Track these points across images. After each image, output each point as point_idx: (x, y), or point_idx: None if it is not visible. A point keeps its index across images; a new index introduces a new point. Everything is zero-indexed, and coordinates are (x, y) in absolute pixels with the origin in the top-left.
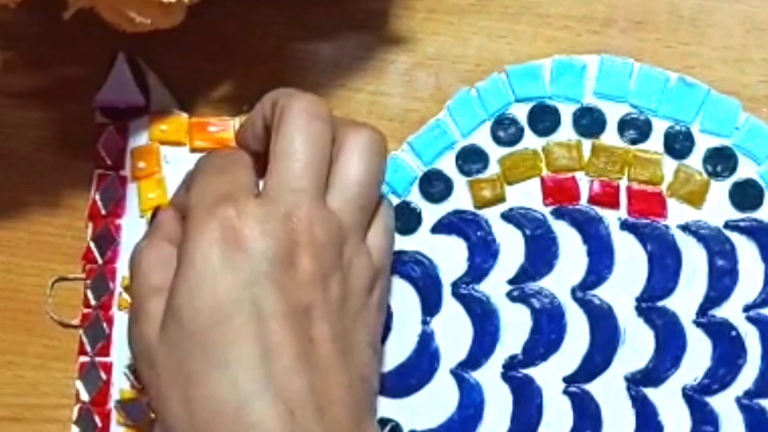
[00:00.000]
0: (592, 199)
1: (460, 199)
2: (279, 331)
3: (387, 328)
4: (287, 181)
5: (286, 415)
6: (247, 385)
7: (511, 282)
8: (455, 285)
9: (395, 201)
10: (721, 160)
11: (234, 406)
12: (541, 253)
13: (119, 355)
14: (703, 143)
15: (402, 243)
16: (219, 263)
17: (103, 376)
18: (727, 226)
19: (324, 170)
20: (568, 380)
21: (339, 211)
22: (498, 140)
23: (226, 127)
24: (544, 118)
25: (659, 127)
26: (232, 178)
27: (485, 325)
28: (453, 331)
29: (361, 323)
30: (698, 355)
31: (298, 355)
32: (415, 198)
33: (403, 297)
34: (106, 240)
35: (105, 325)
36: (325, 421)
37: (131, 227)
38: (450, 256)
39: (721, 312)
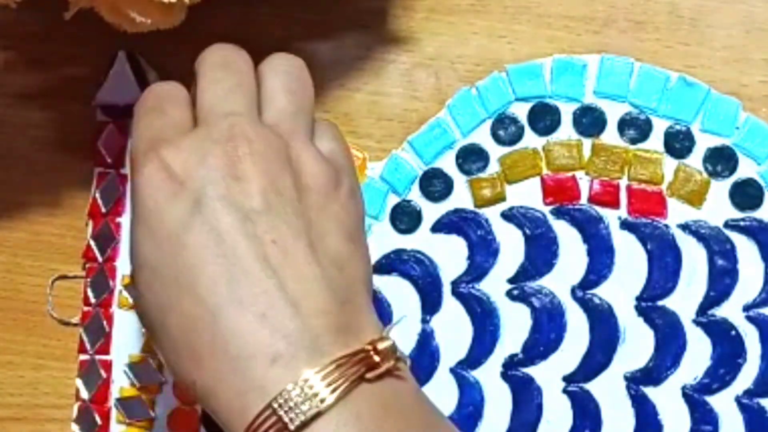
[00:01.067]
0: (592, 199)
1: (461, 198)
2: (236, 242)
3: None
4: (217, 107)
5: (258, 318)
6: (213, 299)
7: (511, 281)
8: (455, 284)
9: (396, 200)
10: (721, 160)
11: (208, 321)
12: (541, 253)
13: (119, 353)
14: (703, 143)
15: (402, 242)
16: (164, 199)
17: (103, 374)
18: (727, 225)
19: (252, 94)
20: (568, 379)
21: (275, 125)
22: (498, 139)
23: None
24: (544, 117)
25: (659, 127)
26: (165, 118)
27: (485, 323)
28: (453, 330)
29: (329, 216)
30: (698, 354)
31: (258, 259)
32: (416, 197)
33: (403, 296)
34: (106, 238)
35: (105, 323)
36: (300, 314)
37: None
38: (450, 255)
39: (721, 311)
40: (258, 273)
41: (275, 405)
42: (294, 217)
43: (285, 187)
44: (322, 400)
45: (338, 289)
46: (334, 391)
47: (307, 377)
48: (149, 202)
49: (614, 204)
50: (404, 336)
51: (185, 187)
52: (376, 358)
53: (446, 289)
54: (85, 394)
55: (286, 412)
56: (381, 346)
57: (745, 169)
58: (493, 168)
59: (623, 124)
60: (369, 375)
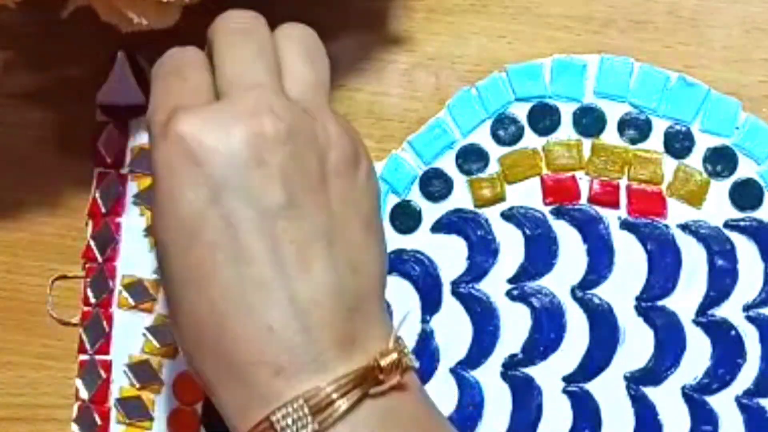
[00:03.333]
0: (592, 199)
1: (460, 198)
2: (251, 245)
3: None
4: (239, 77)
5: (265, 330)
6: (222, 304)
7: (510, 281)
8: (455, 284)
9: (396, 200)
10: (721, 160)
11: (214, 325)
12: (540, 253)
13: (119, 353)
14: (703, 143)
15: (402, 242)
16: (179, 184)
17: (103, 374)
18: (726, 225)
19: (274, 64)
20: (568, 379)
21: (298, 98)
22: (498, 139)
23: None
24: (544, 118)
25: (659, 127)
26: (184, 83)
27: (485, 324)
28: (453, 330)
29: (349, 204)
30: (698, 354)
31: (273, 264)
32: (415, 197)
33: (403, 296)
34: (106, 238)
35: (105, 323)
36: (307, 328)
37: (131, 225)
38: (450, 255)
39: (721, 311)
40: (271, 282)
41: (274, 418)
42: (316, 211)
43: (310, 175)
44: (321, 422)
45: (349, 297)
46: (335, 411)
47: (309, 395)
48: (164, 185)
49: (614, 204)
50: (404, 336)
51: (203, 172)
52: (381, 376)
53: (446, 289)
54: (84, 394)
55: (283, 428)
56: (385, 361)
57: (745, 169)
58: (493, 168)
59: (623, 124)
60: (372, 391)
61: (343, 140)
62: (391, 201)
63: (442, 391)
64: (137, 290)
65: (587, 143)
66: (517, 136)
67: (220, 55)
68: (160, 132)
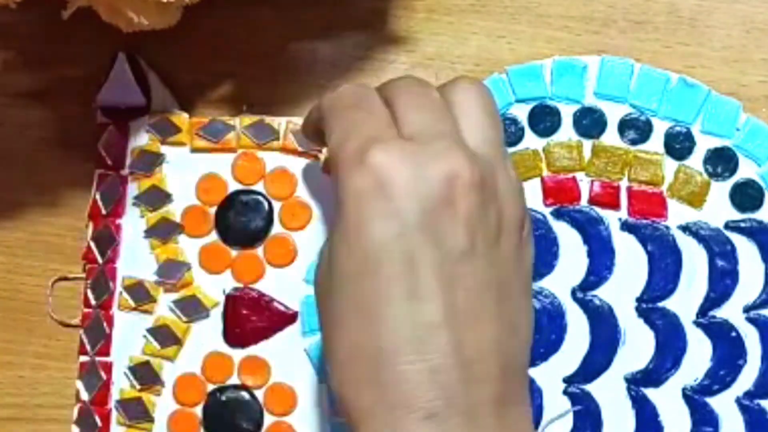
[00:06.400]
0: (593, 200)
1: None
2: (429, 284)
3: None
4: (428, 126)
5: (427, 373)
6: (388, 338)
7: None
8: None
9: None
10: (722, 161)
11: (374, 358)
12: (541, 254)
13: (119, 354)
14: (703, 144)
15: None
16: (370, 213)
17: (103, 375)
18: (727, 226)
19: (454, 120)
20: (569, 380)
21: (480, 152)
22: None
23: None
24: (544, 119)
25: (660, 128)
26: (372, 115)
27: None
28: None
29: (515, 265)
30: (698, 355)
31: (446, 307)
32: None
33: None
34: (107, 240)
35: (105, 324)
36: (468, 379)
37: (131, 227)
38: None
39: (722, 313)
40: (441, 325)
41: None
42: (489, 265)
43: (489, 227)
44: None
45: (509, 355)
46: None
47: None
48: (352, 213)
49: (615, 205)
50: None
51: (394, 205)
52: None
53: None
54: (85, 396)
55: None
56: None
57: (746, 171)
58: None
59: (623, 126)
60: None
61: (517, 199)
62: None
63: None
64: (138, 292)
65: (588, 144)
66: (518, 137)
67: (404, 104)
68: (353, 161)
